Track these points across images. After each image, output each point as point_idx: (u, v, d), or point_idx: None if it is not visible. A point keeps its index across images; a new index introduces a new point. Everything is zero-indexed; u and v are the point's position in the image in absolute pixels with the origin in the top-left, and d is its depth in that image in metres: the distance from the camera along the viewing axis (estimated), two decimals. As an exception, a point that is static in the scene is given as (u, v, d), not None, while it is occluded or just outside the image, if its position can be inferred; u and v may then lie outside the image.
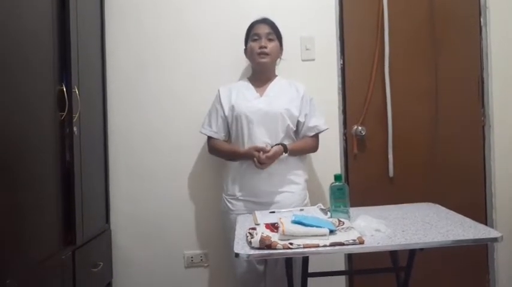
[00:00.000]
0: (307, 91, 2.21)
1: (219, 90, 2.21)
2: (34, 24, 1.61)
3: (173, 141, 2.42)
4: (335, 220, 1.61)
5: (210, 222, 2.40)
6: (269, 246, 1.40)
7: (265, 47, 2.13)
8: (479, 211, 2.51)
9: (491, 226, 2.45)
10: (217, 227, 2.34)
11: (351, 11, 2.50)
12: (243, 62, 2.32)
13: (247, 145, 2.09)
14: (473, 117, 2.55)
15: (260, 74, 2.22)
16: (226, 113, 2.16)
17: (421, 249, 1.61)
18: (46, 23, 1.70)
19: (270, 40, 2.16)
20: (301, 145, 2.17)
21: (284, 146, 2.08)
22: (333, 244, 1.41)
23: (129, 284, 2.42)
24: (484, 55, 2.52)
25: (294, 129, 2.16)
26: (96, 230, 2.15)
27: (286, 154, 2.08)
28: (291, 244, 1.41)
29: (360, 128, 2.49)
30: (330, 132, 2.30)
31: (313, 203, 2.15)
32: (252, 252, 1.42)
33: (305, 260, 1.73)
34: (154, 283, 2.42)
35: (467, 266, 2.52)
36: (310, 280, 1.76)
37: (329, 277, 2.12)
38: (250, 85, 2.21)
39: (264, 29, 2.16)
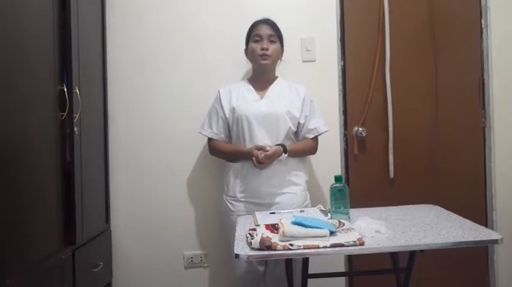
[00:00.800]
0: (308, 93, 2.20)
1: (219, 92, 2.21)
2: (35, 24, 1.61)
3: (173, 141, 2.42)
4: (335, 221, 1.61)
5: (210, 222, 2.40)
6: (269, 247, 1.40)
7: (267, 49, 2.13)
8: (480, 212, 2.51)
9: (492, 228, 2.46)
10: (217, 227, 2.34)
11: (352, 12, 2.50)
12: (244, 62, 2.31)
13: (248, 147, 2.09)
14: (474, 119, 2.55)
15: (261, 76, 2.21)
16: (227, 115, 2.16)
17: (422, 251, 1.61)
18: (47, 23, 1.70)
19: (272, 42, 2.15)
20: (301, 146, 2.17)
21: (283, 146, 2.08)
22: (333, 245, 1.41)
23: (128, 284, 2.42)
24: (484, 56, 2.52)
25: (295, 130, 2.16)
26: (96, 230, 2.14)
27: (286, 155, 2.08)
28: (291, 245, 1.41)
29: (360, 129, 2.49)
30: (331, 133, 2.30)
31: (313, 204, 2.15)
32: (252, 253, 1.42)
33: (305, 261, 1.73)
34: (154, 283, 2.42)
35: (467, 267, 2.52)
36: (310, 281, 1.75)
37: (329, 278, 2.12)
38: (250, 87, 2.20)
39: (265, 30, 2.16)
